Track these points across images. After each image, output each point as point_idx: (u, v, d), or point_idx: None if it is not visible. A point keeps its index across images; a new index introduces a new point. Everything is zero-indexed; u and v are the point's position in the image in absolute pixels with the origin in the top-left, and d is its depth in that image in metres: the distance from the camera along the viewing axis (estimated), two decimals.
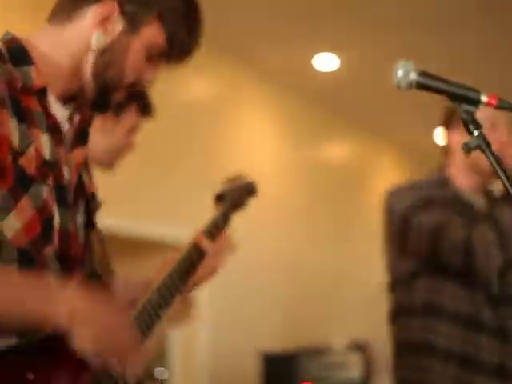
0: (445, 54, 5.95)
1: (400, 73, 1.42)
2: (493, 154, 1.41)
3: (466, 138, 1.41)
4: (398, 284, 2.76)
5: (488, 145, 1.41)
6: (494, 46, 6.07)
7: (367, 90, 6.73)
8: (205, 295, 5.36)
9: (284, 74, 6.48)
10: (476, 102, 1.43)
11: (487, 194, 2.81)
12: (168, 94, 5.48)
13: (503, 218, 2.56)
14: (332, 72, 6.50)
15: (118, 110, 2.54)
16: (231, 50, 6.01)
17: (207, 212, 2.07)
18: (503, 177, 1.38)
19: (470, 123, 1.42)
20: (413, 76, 1.42)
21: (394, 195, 2.77)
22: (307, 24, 5.59)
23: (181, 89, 5.65)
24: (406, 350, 2.68)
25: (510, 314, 2.64)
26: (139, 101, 2.61)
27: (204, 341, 5.23)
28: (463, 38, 5.84)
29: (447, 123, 2.81)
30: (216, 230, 2.03)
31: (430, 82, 1.44)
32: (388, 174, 7.84)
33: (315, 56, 6.23)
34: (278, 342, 4.87)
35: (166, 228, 4.86)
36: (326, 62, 6.35)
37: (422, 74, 1.43)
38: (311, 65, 6.36)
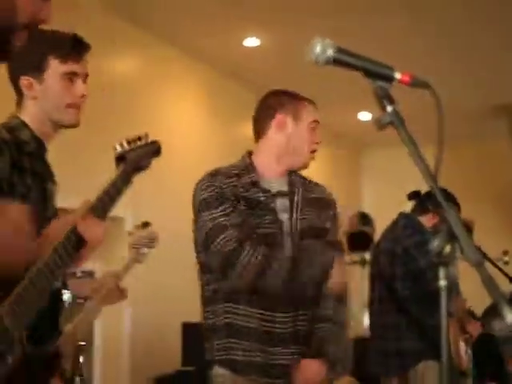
0: (367, 38, 6.05)
1: (317, 49, 1.45)
2: (405, 129, 1.46)
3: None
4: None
5: (401, 121, 1.46)
6: (415, 30, 6.22)
7: (290, 69, 6.79)
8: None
9: (208, 51, 6.50)
10: (390, 79, 1.48)
11: (291, 179, 2.87)
12: (91, 69, 5.43)
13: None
14: (256, 50, 6.54)
15: None
16: (156, 27, 6.01)
17: None
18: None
19: (384, 99, 1.46)
20: (330, 52, 1.44)
21: (198, 183, 2.85)
22: (232, 2, 5.62)
23: (104, 64, 5.60)
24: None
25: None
26: None
27: (125, 312, 5.25)
28: (385, 22, 5.96)
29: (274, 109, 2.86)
30: (107, 202, 2.06)
31: (346, 59, 1.47)
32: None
33: (240, 34, 6.26)
34: (198, 312, 4.93)
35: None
36: (251, 40, 6.39)
37: (339, 50, 1.47)
38: (236, 42, 6.39)
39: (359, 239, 6.67)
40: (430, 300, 4.01)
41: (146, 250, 3.13)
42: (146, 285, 5.02)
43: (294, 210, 2.79)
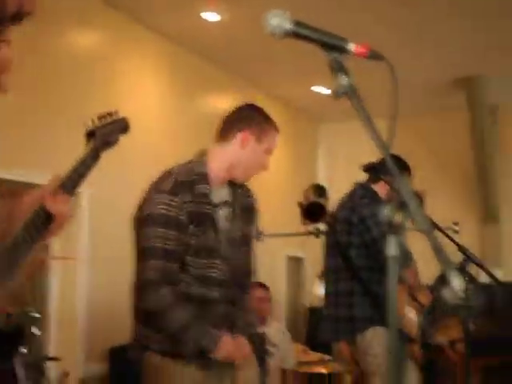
0: (324, 11, 6.06)
1: (275, 22, 1.48)
2: (359, 100, 1.50)
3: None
4: None
5: (354, 91, 1.50)
6: (375, 3, 6.26)
7: (250, 43, 6.79)
8: (83, 233, 5.39)
9: (170, 25, 6.47)
10: (345, 51, 1.52)
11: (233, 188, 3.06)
12: (53, 44, 5.39)
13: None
14: (217, 24, 6.53)
15: None
16: (117, 2, 5.99)
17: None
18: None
19: (339, 71, 1.50)
20: (287, 25, 1.47)
21: (153, 193, 2.89)
22: None
23: (66, 39, 5.56)
24: None
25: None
26: None
27: (81, 274, 5.26)
28: None
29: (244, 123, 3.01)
30: (76, 178, 2.09)
31: (303, 31, 1.50)
32: None
33: (201, 8, 6.25)
34: None
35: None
36: (210, 15, 6.39)
37: (296, 23, 1.50)
38: (197, 16, 6.37)
39: (314, 210, 6.74)
40: (382, 269, 4.11)
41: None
42: (104, 258, 5.05)
43: (233, 219, 3.01)
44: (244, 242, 3.06)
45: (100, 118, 2.21)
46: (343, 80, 1.48)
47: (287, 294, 9.29)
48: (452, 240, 3.83)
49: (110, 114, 2.24)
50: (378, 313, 4.07)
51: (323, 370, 5.57)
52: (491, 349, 6.32)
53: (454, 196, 8.33)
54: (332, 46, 1.52)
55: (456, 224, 5.46)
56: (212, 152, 3.03)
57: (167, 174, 2.92)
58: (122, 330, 4.65)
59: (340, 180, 7.42)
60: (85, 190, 5.27)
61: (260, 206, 3.18)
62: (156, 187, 2.88)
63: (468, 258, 3.68)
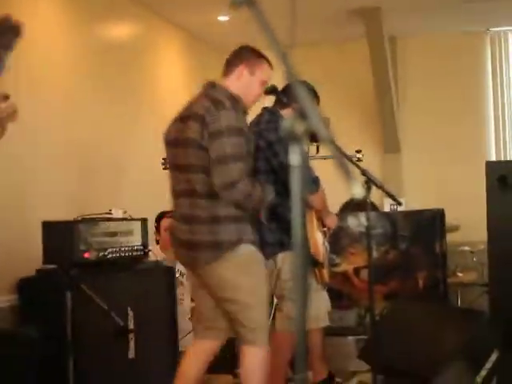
0: None
1: None
2: (258, 9, 1.49)
3: None
4: None
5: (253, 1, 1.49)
6: None
7: None
8: None
9: None
10: None
11: None
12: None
13: None
14: None
15: None
16: None
17: None
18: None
19: None
20: None
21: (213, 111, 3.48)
22: None
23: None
24: None
25: None
26: None
27: None
28: None
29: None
30: None
31: None
32: (172, 57, 7.82)
33: None
34: (60, 212, 4.89)
35: None
36: None
37: None
38: None
39: None
40: (290, 194, 4.15)
41: (8, 122, 3.03)
42: (4, 186, 4.92)
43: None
44: None
45: None
46: None
47: None
48: (356, 165, 3.90)
49: (3, 20, 2.19)
50: (288, 238, 4.12)
51: None
52: (394, 275, 6.53)
53: (356, 126, 8.43)
54: None
55: (359, 152, 5.55)
56: (219, 84, 3.67)
57: (215, 96, 3.56)
58: (30, 260, 4.62)
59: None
60: None
61: None
62: (216, 106, 3.47)
63: (371, 181, 3.76)
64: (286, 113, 4.29)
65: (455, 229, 7.16)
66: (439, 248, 6.53)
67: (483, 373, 3.92)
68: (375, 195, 4.82)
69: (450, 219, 6.76)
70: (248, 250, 3.53)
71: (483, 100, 8.31)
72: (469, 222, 7.38)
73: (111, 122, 6.26)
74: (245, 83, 3.67)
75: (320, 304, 4.34)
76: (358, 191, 1.54)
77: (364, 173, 3.77)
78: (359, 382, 4.69)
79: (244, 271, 3.53)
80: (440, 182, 8.09)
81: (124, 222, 4.70)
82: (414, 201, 7.71)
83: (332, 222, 4.37)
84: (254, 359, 3.56)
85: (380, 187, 3.89)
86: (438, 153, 8.18)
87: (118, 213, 4.65)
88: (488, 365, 4.03)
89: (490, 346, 4.15)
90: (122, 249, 4.62)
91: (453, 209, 6.89)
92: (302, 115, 1.61)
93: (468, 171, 7.70)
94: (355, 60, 8.29)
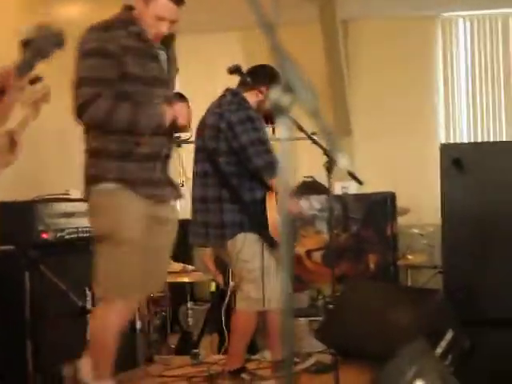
0: None
1: None
2: None
3: None
4: None
5: None
6: None
7: None
8: None
9: None
10: None
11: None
12: None
13: None
14: None
15: None
16: None
17: None
18: None
19: None
20: None
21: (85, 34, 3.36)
22: None
23: None
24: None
25: None
26: None
27: None
28: None
29: None
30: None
31: None
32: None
33: None
34: (17, 193, 4.82)
35: None
36: None
37: None
38: None
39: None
40: (251, 176, 4.17)
41: (41, 104, 3.11)
42: None
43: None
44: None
45: (38, 28, 2.24)
46: None
47: None
48: (319, 145, 3.93)
49: (47, 27, 2.27)
50: (248, 219, 4.14)
51: (186, 279, 5.65)
52: (345, 258, 6.59)
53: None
54: None
55: (313, 134, 5.55)
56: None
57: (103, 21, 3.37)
58: None
59: (202, 87, 7.44)
60: None
61: None
62: (90, 28, 3.34)
63: (333, 160, 3.79)
64: (249, 95, 4.29)
65: (406, 212, 7.24)
66: (390, 231, 6.61)
67: (438, 351, 3.99)
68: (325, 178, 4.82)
69: (400, 202, 6.84)
70: (105, 191, 3.37)
71: (434, 84, 8.40)
72: (419, 205, 7.47)
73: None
74: (141, 12, 3.42)
75: (278, 285, 4.37)
76: (344, 163, 1.55)
77: (327, 153, 3.80)
78: (317, 362, 4.73)
79: (98, 212, 3.42)
80: (391, 165, 8.16)
81: (82, 202, 4.65)
82: (365, 184, 7.77)
83: (294, 206, 4.39)
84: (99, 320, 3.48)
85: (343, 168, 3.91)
86: (389, 136, 8.25)
87: (75, 193, 4.60)
88: (443, 343, 4.10)
89: (444, 325, 4.22)
90: (80, 229, 4.57)
91: (404, 192, 6.98)
92: (288, 88, 1.61)
93: (419, 155, 7.80)
94: (308, 43, 8.28)
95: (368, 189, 7.40)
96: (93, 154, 3.38)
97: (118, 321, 3.40)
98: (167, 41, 3.52)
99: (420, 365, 2.17)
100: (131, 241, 3.31)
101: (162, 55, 3.50)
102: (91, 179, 3.38)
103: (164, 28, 3.39)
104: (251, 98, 4.30)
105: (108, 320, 3.37)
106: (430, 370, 2.17)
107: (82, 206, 4.63)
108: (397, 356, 3.01)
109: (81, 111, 3.22)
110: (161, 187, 3.46)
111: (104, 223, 3.36)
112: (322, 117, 1.63)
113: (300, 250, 6.62)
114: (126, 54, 3.29)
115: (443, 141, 8.09)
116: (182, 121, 3.41)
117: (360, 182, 4.12)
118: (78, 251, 4.56)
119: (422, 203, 7.48)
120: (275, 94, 1.60)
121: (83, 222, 4.56)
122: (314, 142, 3.93)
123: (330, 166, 3.77)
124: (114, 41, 3.27)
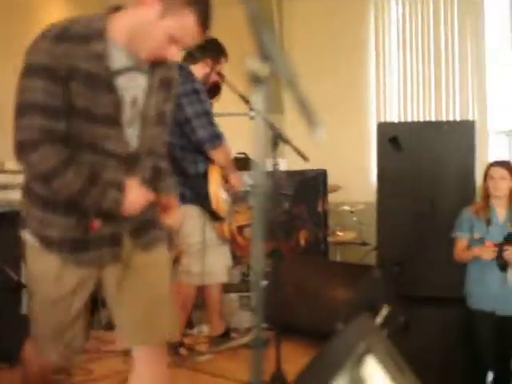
0: None
1: None
2: None
3: None
4: None
5: None
6: None
7: None
8: None
9: None
10: None
11: None
12: None
13: None
14: None
15: None
16: None
17: None
18: None
19: None
20: None
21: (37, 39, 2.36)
22: None
23: None
24: None
25: None
26: None
27: None
28: None
29: None
30: None
31: None
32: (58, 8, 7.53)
33: None
34: None
35: None
36: None
37: None
38: None
39: None
40: (194, 149, 4.13)
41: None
42: None
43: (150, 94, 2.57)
44: (159, 120, 2.69)
45: None
46: None
47: None
48: (266, 121, 3.90)
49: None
50: (190, 191, 4.10)
51: None
52: (276, 234, 6.61)
53: (240, 87, 8.43)
54: None
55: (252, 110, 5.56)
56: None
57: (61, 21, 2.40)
58: None
59: None
60: None
61: None
62: (43, 33, 2.36)
63: (279, 136, 3.79)
64: (196, 67, 4.26)
65: (336, 189, 7.32)
66: (321, 207, 6.67)
67: None
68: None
69: (331, 180, 6.91)
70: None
71: (366, 63, 8.50)
72: (350, 183, 7.56)
73: None
74: (141, 18, 2.46)
75: (219, 259, 4.36)
76: (320, 134, 1.54)
77: (272, 127, 3.79)
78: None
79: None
80: (323, 143, 8.21)
81: (18, 175, 4.53)
82: (297, 161, 7.82)
83: (237, 180, 4.36)
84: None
85: (287, 142, 3.93)
86: (321, 114, 8.27)
87: (11, 165, 4.48)
88: (379, 319, 4.17)
89: (380, 300, 4.29)
90: (15, 202, 4.45)
91: (335, 170, 7.03)
92: (265, 57, 1.59)
93: (351, 133, 7.88)
94: (241, 21, 8.25)
95: (300, 166, 7.47)
96: (24, 187, 2.75)
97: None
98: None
99: (368, 340, 2.18)
100: (42, 299, 2.75)
101: (141, 79, 2.53)
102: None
103: (170, 53, 2.51)
104: (198, 70, 4.27)
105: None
106: (378, 346, 2.18)
107: (16, 179, 4.52)
108: (343, 332, 3.03)
109: (20, 154, 2.41)
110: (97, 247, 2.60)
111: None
112: (298, 87, 1.61)
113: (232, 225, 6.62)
114: (72, 78, 2.34)
115: (374, 120, 8.20)
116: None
117: (305, 159, 4.14)
118: (12, 225, 4.44)
119: (352, 181, 7.56)
120: (253, 64, 1.58)
121: (17, 195, 4.44)
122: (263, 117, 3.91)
123: (276, 142, 3.76)
124: (66, 58, 2.32)
